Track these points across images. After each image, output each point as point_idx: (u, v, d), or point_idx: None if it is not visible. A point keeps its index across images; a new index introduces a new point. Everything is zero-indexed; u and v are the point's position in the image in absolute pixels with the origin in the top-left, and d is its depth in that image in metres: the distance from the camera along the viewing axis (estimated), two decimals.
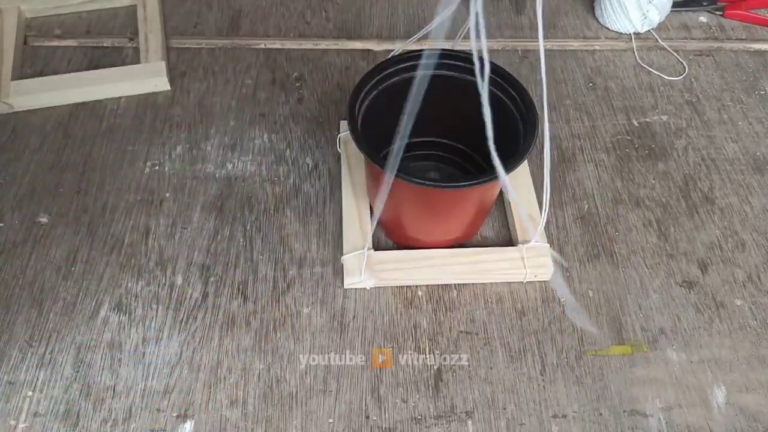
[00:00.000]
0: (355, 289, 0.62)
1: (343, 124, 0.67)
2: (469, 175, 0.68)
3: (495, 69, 0.60)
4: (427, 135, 0.68)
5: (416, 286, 0.62)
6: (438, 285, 0.62)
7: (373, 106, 0.60)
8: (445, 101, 0.62)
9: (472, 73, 0.59)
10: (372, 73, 0.60)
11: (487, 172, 0.52)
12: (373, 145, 0.55)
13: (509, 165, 0.53)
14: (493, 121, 0.60)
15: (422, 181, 0.52)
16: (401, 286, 0.62)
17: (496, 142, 0.57)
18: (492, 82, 0.60)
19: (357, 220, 0.64)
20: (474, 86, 0.61)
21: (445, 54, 0.60)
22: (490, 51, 0.59)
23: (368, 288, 0.61)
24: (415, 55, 0.60)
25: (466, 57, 0.60)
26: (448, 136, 0.68)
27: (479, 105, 0.62)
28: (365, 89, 0.59)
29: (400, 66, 0.60)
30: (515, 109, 0.59)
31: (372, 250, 0.62)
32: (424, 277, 0.62)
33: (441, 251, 0.62)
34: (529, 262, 0.62)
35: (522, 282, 0.63)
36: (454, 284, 0.63)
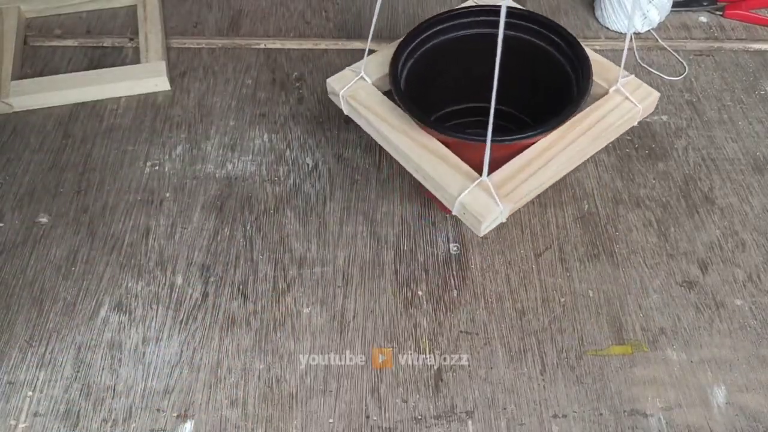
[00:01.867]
0: (356, 289, 0.62)
1: (332, 82, 0.61)
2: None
3: (534, 17, 0.60)
4: (470, 101, 0.66)
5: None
6: (439, 286, 0.62)
7: (415, 67, 0.58)
8: (484, 62, 0.62)
9: (514, 29, 0.59)
10: (414, 32, 0.58)
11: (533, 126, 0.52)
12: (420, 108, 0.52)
13: (564, 114, 0.52)
14: (543, 75, 0.60)
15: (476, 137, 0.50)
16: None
17: (547, 97, 0.55)
18: (532, 32, 0.60)
19: (435, 158, 0.54)
20: (517, 42, 0.60)
21: (484, 10, 0.59)
22: None
23: (504, 221, 0.53)
24: (459, 14, 0.59)
25: (510, 12, 0.59)
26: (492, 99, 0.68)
27: (522, 62, 0.61)
28: (407, 50, 0.57)
29: (444, 25, 0.59)
30: (563, 58, 0.59)
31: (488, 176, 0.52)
32: (555, 171, 0.54)
33: (547, 139, 0.55)
34: (636, 96, 0.58)
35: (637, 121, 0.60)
36: (455, 284, 0.63)
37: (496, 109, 0.67)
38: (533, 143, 0.54)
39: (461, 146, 0.53)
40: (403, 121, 0.56)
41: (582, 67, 0.56)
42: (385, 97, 0.58)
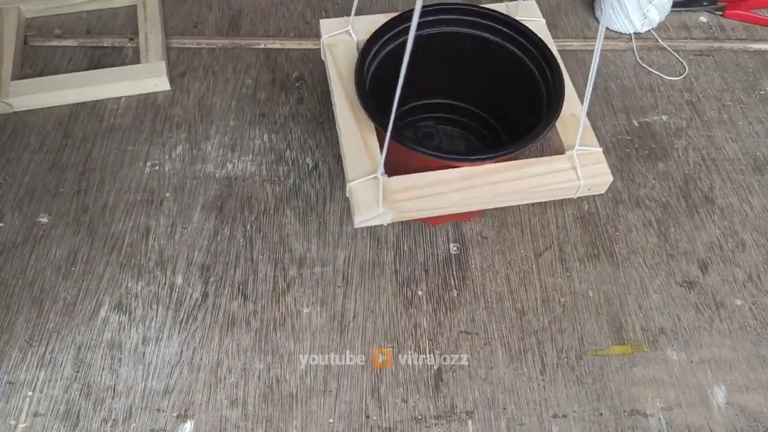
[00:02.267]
0: (356, 289, 0.62)
1: (325, 25, 0.61)
2: (485, 144, 0.67)
3: (507, 21, 0.59)
4: (431, 96, 0.67)
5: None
6: (439, 286, 0.62)
7: (381, 67, 0.58)
8: (448, 60, 0.62)
9: (479, 28, 0.59)
10: (379, 32, 0.58)
11: (502, 145, 0.51)
12: (381, 108, 0.52)
13: (530, 138, 0.51)
14: (512, 82, 0.60)
15: (446, 156, 0.50)
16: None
17: (515, 105, 0.54)
18: (505, 36, 0.60)
19: (360, 139, 0.53)
20: (482, 42, 0.60)
21: (449, 9, 0.59)
22: None
23: (386, 224, 0.53)
24: (425, 12, 0.58)
25: (472, 11, 0.59)
26: (454, 96, 0.68)
27: (487, 63, 0.60)
28: (372, 51, 0.57)
29: (406, 25, 0.58)
30: (534, 66, 0.57)
31: (386, 176, 0.50)
32: (457, 201, 0.51)
33: (474, 169, 0.52)
34: (583, 171, 0.52)
35: (573, 198, 0.55)
36: (455, 284, 0.63)
37: (466, 109, 0.68)
38: (456, 166, 0.52)
39: (393, 146, 0.51)
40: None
41: (553, 105, 0.54)
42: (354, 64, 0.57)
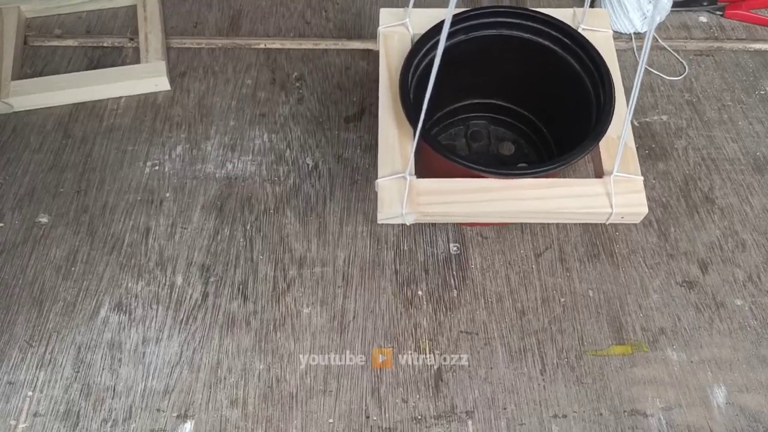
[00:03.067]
0: (356, 289, 0.62)
1: (384, 15, 0.60)
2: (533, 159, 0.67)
3: (563, 29, 0.58)
4: (487, 96, 0.67)
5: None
6: (439, 286, 0.62)
7: (430, 66, 0.57)
8: (505, 63, 0.61)
9: (530, 31, 0.59)
10: (430, 32, 0.57)
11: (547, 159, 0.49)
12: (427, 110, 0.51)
13: (563, 160, 0.50)
14: (566, 94, 0.59)
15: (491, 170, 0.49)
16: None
17: (566, 116, 0.53)
18: (560, 43, 0.58)
19: (395, 138, 0.53)
20: (532, 47, 0.59)
21: (500, 12, 0.59)
22: None
23: (408, 224, 0.53)
24: (473, 15, 0.58)
25: (525, 14, 0.58)
26: (509, 99, 0.67)
27: (544, 71, 0.60)
28: (422, 51, 0.56)
29: (458, 26, 0.58)
30: (587, 77, 0.56)
31: (414, 177, 0.50)
32: (481, 212, 0.51)
33: (503, 182, 0.51)
34: (618, 199, 0.50)
35: (604, 223, 0.53)
36: (455, 284, 0.63)
37: (519, 113, 0.67)
38: (485, 177, 0.51)
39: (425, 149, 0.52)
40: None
41: (597, 128, 0.52)
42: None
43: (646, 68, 0.81)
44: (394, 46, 0.59)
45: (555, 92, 0.62)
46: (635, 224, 0.67)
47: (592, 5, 0.89)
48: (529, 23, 0.59)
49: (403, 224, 0.66)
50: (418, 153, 0.50)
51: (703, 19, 0.88)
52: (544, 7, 0.61)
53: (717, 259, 0.65)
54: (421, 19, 0.59)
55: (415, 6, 0.59)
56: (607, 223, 0.53)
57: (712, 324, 0.61)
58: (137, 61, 0.78)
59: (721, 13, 0.88)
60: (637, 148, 0.73)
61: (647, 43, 0.43)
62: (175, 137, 0.72)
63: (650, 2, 0.81)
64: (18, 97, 0.73)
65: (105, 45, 0.81)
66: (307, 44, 0.82)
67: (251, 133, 0.73)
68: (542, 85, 0.63)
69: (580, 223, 0.67)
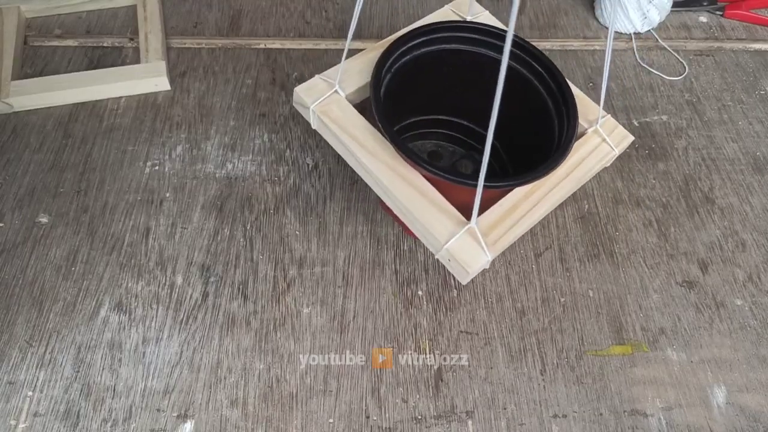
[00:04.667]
0: (356, 289, 0.62)
1: (301, 93, 0.56)
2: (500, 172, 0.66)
3: (519, 44, 0.58)
4: (431, 113, 0.66)
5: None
6: (439, 286, 0.62)
7: (391, 83, 0.56)
8: (455, 77, 0.61)
9: (486, 47, 0.58)
10: (391, 49, 0.56)
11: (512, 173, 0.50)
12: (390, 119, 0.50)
13: (558, 159, 0.51)
14: (521, 107, 0.59)
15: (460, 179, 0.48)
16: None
17: (517, 129, 0.52)
18: (516, 58, 0.58)
19: (418, 196, 0.50)
20: (488, 61, 0.59)
21: (457, 27, 0.58)
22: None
23: (488, 266, 0.50)
24: (433, 29, 0.58)
25: (480, 29, 0.58)
26: (456, 114, 0.67)
27: (492, 81, 0.59)
28: (385, 66, 0.55)
29: (417, 41, 0.57)
30: (545, 90, 0.57)
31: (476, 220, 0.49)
32: (540, 216, 0.52)
33: (531, 186, 0.52)
34: (613, 138, 0.56)
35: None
36: (455, 284, 0.63)
37: (466, 126, 0.67)
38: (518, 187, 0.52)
39: (447, 186, 0.50)
40: (383, 147, 0.52)
41: (568, 109, 0.55)
42: (361, 117, 0.55)
43: (646, 68, 0.81)
44: (338, 116, 0.54)
45: (507, 104, 0.61)
46: (635, 224, 0.67)
47: (592, 5, 0.89)
48: (472, 36, 0.59)
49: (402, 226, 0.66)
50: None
51: (703, 19, 0.88)
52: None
53: (717, 259, 0.65)
54: (349, 77, 0.56)
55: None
56: (609, 164, 0.57)
57: (712, 324, 0.61)
58: (137, 61, 0.78)
59: (721, 13, 0.88)
60: (637, 148, 0.74)
61: (610, 35, 0.45)
62: (175, 137, 0.72)
63: (651, 2, 0.81)
64: (18, 97, 0.73)
65: (105, 45, 0.81)
66: (307, 44, 0.82)
67: (251, 133, 0.73)
68: (487, 95, 0.62)
69: (580, 224, 0.67)
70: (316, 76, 0.56)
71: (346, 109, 0.55)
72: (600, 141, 0.56)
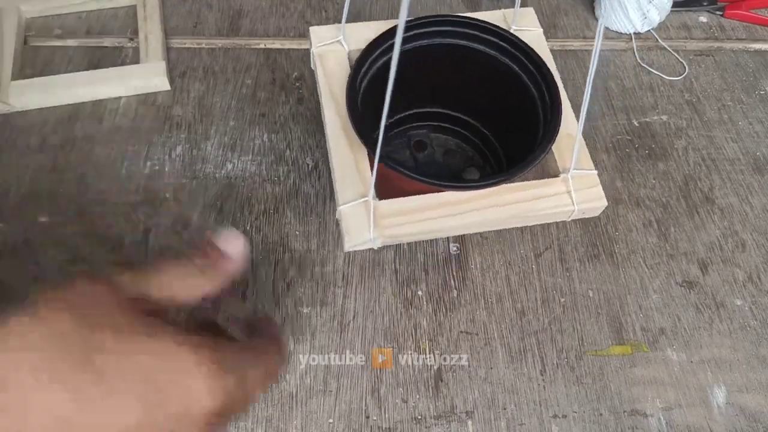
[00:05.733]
0: (356, 288, 0.62)
1: (315, 33, 0.58)
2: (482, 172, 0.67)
3: (500, 34, 0.57)
4: (426, 105, 0.66)
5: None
6: (439, 286, 0.62)
7: (375, 79, 0.57)
8: (443, 69, 0.61)
9: (472, 39, 0.58)
10: (372, 46, 0.56)
11: (495, 173, 0.50)
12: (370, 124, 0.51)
13: (521, 167, 0.50)
14: (506, 98, 0.59)
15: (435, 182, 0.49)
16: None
17: (509, 124, 0.52)
18: (500, 49, 0.58)
19: (351, 160, 0.52)
20: (474, 53, 0.59)
21: (444, 21, 0.58)
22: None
23: (376, 248, 0.52)
24: (419, 24, 0.58)
25: (465, 22, 0.58)
26: (449, 106, 0.67)
27: (481, 74, 0.59)
28: (365, 66, 0.55)
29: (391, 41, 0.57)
30: (530, 81, 0.56)
31: (377, 199, 0.50)
32: (447, 226, 0.51)
33: (465, 194, 0.51)
34: (578, 195, 0.51)
35: (566, 221, 0.54)
36: (455, 285, 0.63)
37: (459, 118, 0.67)
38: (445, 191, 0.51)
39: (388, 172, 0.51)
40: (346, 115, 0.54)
41: (551, 126, 0.52)
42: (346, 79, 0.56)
43: (646, 68, 0.81)
44: (331, 66, 0.56)
45: (494, 94, 0.62)
46: (635, 225, 0.67)
47: (592, 5, 0.89)
48: (465, 30, 0.58)
49: None
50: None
51: (703, 19, 0.88)
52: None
53: (717, 260, 0.65)
54: (354, 34, 0.58)
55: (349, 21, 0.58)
56: (569, 219, 0.54)
57: (712, 324, 0.61)
58: (137, 61, 0.78)
59: (721, 13, 0.88)
60: (637, 148, 0.74)
61: (598, 38, 0.44)
62: (174, 137, 0.72)
63: (650, 2, 0.81)
64: (18, 97, 0.73)
65: (105, 45, 0.81)
66: (307, 44, 0.82)
67: (251, 133, 0.73)
68: (480, 88, 0.63)
69: (580, 224, 0.67)
70: (333, 24, 0.59)
71: (340, 64, 0.56)
72: (563, 191, 0.51)
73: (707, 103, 0.78)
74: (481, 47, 0.59)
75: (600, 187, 0.52)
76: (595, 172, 0.53)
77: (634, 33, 0.85)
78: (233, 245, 0.41)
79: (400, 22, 0.37)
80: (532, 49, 0.57)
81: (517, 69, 0.58)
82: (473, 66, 0.60)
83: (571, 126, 0.55)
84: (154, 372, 0.32)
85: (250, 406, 0.43)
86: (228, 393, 0.33)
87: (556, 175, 0.53)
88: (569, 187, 0.51)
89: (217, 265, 0.39)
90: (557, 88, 0.55)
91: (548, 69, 0.56)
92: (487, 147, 0.67)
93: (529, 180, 0.52)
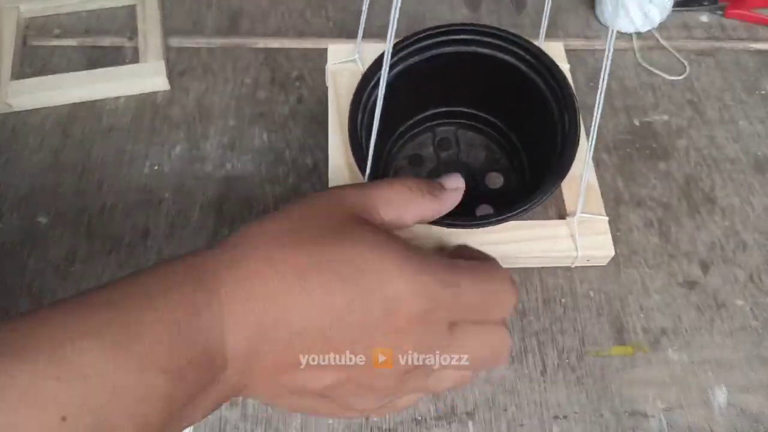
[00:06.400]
0: None
1: (333, 51, 0.60)
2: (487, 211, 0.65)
3: (513, 40, 0.56)
4: (454, 105, 0.66)
5: None
6: None
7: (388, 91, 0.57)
8: (463, 76, 0.61)
9: (496, 48, 0.57)
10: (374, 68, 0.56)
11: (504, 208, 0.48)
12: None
13: (520, 208, 0.48)
14: (526, 109, 0.57)
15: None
16: None
17: (533, 124, 0.52)
18: (515, 55, 0.57)
19: (348, 180, 0.53)
20: (494, 61, 0.58)
21: (452, 30, 0.58)
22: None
23: None
24: (433, 33, 0.57)
25: (488, 32, 0.58)
26: (477, 106, 0.67)
27: (499, 80, 0.58)
28: (366, 91, 0.55)
29: (416, 46, 0.57)
30: (548, 90, 0.55)
31: None
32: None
33: (460, 231, 0.50)
34: (583, 241, 0.49)
35: (570, 267, 0.53)
36: None
37: (475, 114, 0.67)
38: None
39: None
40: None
41: (561, 166, 0.49)
42: None
43: (647, 68, 0.81)
44: (344, 84, 0.57)
45: (520, 105, 0.61)
46: (636, 225, 0.67)
47: (592, 5, 0.89)
48: (488, 39, 0.58)
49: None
50: None
51: (703, 18, 0.88)
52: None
53: (718, 260, 0.65)
54: (371, 54, 0.57)
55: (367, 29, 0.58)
56: (573, 266, 0.52)
57: (713, 324, 0.61)
58: (136, 60, 0.78)
59: (722, 12, 0.88)
60: (638, 148, 0.73)
61: (608, 50, 0.44)
62: (174, 137, 0.72)
63: (651, 2, 0.81)
64: (17, 97, 0.72)
65: (104, 45, 0.80)
66: (307, 43, 0.82)
67: (250, 132, 0.73)
68: (507, 97, 0.62)
69: None
70: (349, 43, 0.60)
71: (353, 80, 0.56)
72: (566, 235, 0.48)
73: (708, 103, 0.78)
74: (504, 56, 0.58)
75: (609, 235, 0.49)
76: (606, 218, 0.50)
77: (635, 32, 0.85)
78: (456, 180, 0.45)
79: (387, 47, 0.38)
80: (556, 66, 0.55)
81: (540, 83, 0.57)
82: (496, 74, 0.59)
83: (578, 163, 0.51)
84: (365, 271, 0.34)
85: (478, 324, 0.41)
86: (437, 301, 0.35)
87: (562, 217, 0.50)
88: (573, 232, 0.49)
89: (443, 194, 0.43)
90: (577, 115, 0.53)
91: (570, 90, 0.54)
92: (512, 149, 0.66)
93: (534, 219, 0.49)
